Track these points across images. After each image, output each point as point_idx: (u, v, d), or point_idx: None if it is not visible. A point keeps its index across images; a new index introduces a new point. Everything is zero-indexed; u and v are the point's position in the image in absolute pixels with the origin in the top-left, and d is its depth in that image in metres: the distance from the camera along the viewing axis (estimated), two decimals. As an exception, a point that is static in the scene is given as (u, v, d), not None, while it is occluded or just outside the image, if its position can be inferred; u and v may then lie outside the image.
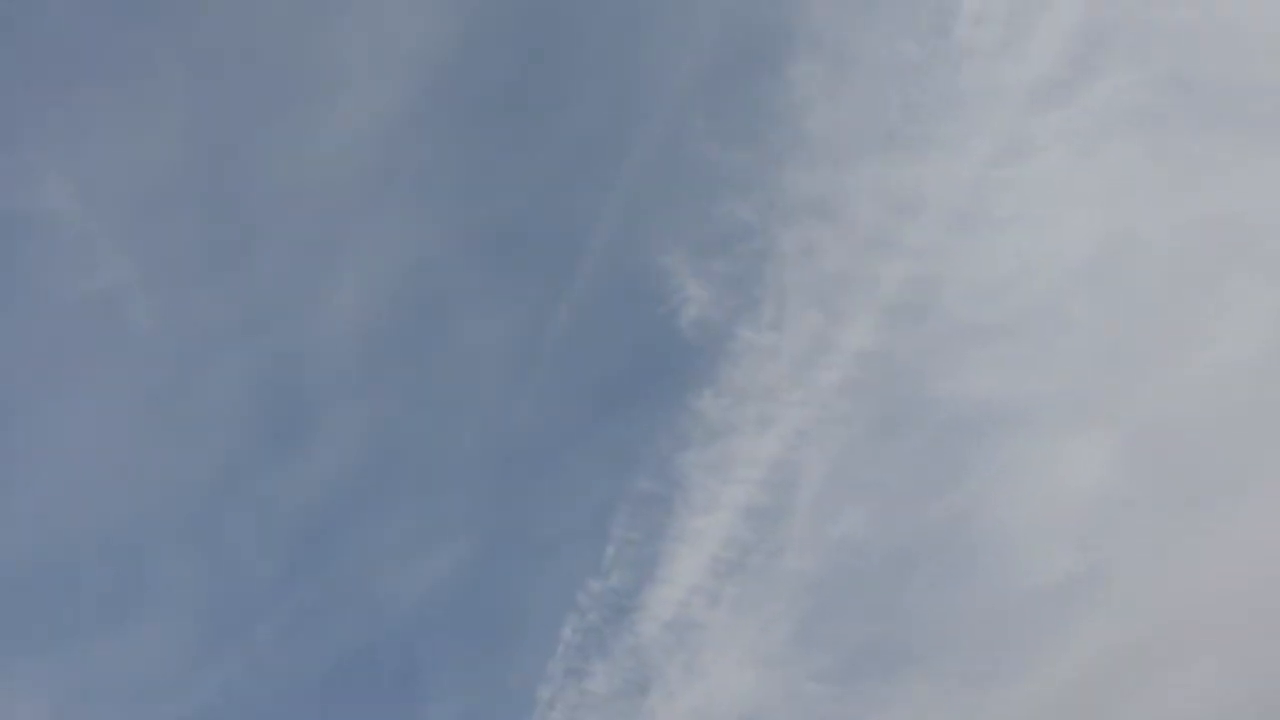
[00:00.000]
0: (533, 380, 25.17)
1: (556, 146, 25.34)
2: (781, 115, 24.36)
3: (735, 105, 24.87)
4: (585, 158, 25.28)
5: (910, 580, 23.69)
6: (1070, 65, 22.86)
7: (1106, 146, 22.89)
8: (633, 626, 24.24)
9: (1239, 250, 22.71)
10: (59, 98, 22.68)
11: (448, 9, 24.87)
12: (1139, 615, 21.28)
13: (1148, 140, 22.74)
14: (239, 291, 23.96)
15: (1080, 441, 23.01)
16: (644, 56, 25.27)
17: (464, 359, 25.28)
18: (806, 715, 22.95)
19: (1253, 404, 22.07)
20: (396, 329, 25.02)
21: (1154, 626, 21.03)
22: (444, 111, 25.02)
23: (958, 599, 22.92)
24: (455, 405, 25.38)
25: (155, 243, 23.51)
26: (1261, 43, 22.42)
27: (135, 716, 21.97)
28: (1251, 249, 22.66)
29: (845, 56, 24.21)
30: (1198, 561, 21.28)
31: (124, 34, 22.89)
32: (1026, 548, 22.68)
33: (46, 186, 22.33)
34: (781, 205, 24.55)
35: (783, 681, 23.33)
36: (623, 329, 25.56)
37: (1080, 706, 19.94)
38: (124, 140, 23.21)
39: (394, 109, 24.61)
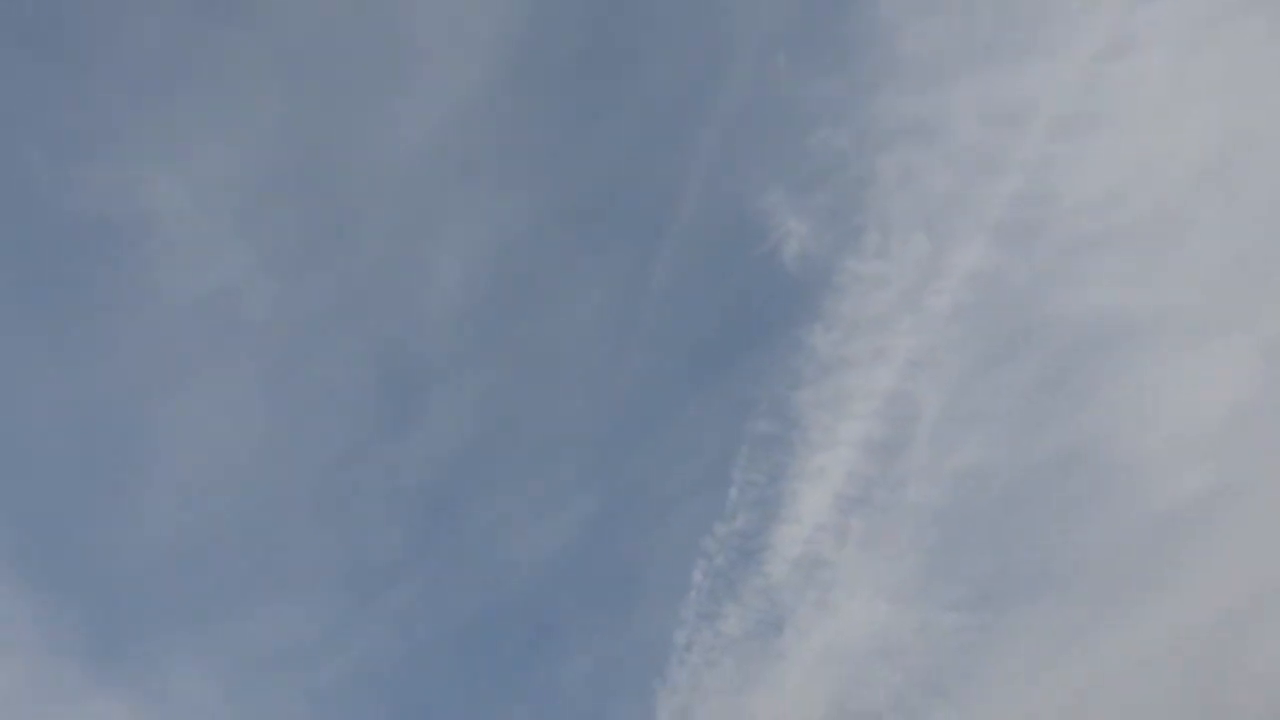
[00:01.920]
0: (640, 333, 25.29)
1: (644, 98, 25.10)
2: (870, 39, 23.50)
3: (822, 34, 24.10)
4: (674, 106, 24.98)
5: (1038, 506, 23.10)
6: (1176, -52, 21.32)
7: (1222, 32, 21.30)
8: (761, 567, 24.36)
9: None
10: (160, 104, 23.56)
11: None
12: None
13: (1268, 22, 21.07)
14: (347, 276, 24.71)
15: (1212, 352, 21.84)
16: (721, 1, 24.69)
17: (570, 320, 25.55)
18: (942, 645, 22.76)
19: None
20: (501, 298, 25.43)
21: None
22: (529, 77, 25.02)
23: (1089, 523, 22.25)
24: (566, 366, 25.73)
25: (264, 236, 24.38)
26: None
27: (286, 683, 23.40)
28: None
29: (932, -32, 23.15)
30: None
31: (215, 38, 23.56)
32: (1159, 466, 21.79)
33: (157, 190, 23.34)
34: (877, 131, 23.80)
35: (915, 613, 23.17)
36: (725, 273, 25.36)
37: (1226, 633, 19.17)
38: (225, 140, 24.02)
39: (478, 83, 24.74)
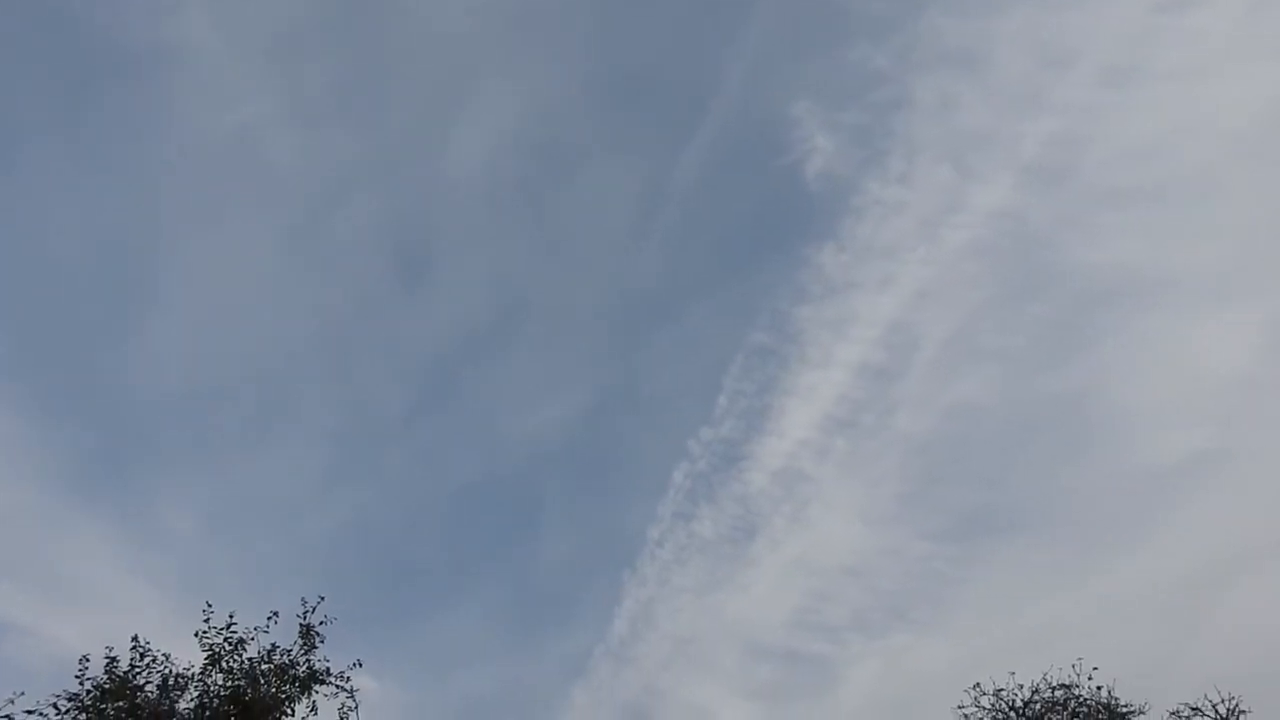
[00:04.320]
0: (655, 228, 25.29)
1: (688, -7, 24.82)
2: (927, -45, 23.18)
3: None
4: (717, 5, 24.74)
5: (1028, 449, 23.24)
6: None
7: (1286, -1, 20.93)
8: (741, 475, 24.53)
9: None
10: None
11: None
12: (1267, 501, 20.27)
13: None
14: (373, 132, 24.66)
15: (1219, 319, 21.83)
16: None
17: (588, 205, 25.57)
18: (911, 571, 22.97)
19: None
20: (523, 174, 25.43)
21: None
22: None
23: (1077, 470, 22.42)
24: (579, 251, 25.80)
25: (293, 80, 24.27)
26: None
27: (275, 530, 23.74)
28: None
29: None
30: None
31: None
32: (1154, 423, 21.89)
33: (187, 17, 23.10)
34: (920, 53, 23.56)
35: (889, 537, 23.36)
36: (747, 180, 25.29)
37: (1197, 589, 19.25)
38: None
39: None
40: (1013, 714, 11.58)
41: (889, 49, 23.56)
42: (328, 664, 10.41)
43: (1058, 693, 11.56)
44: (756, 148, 24.72)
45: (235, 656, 10.18)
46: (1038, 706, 11.52)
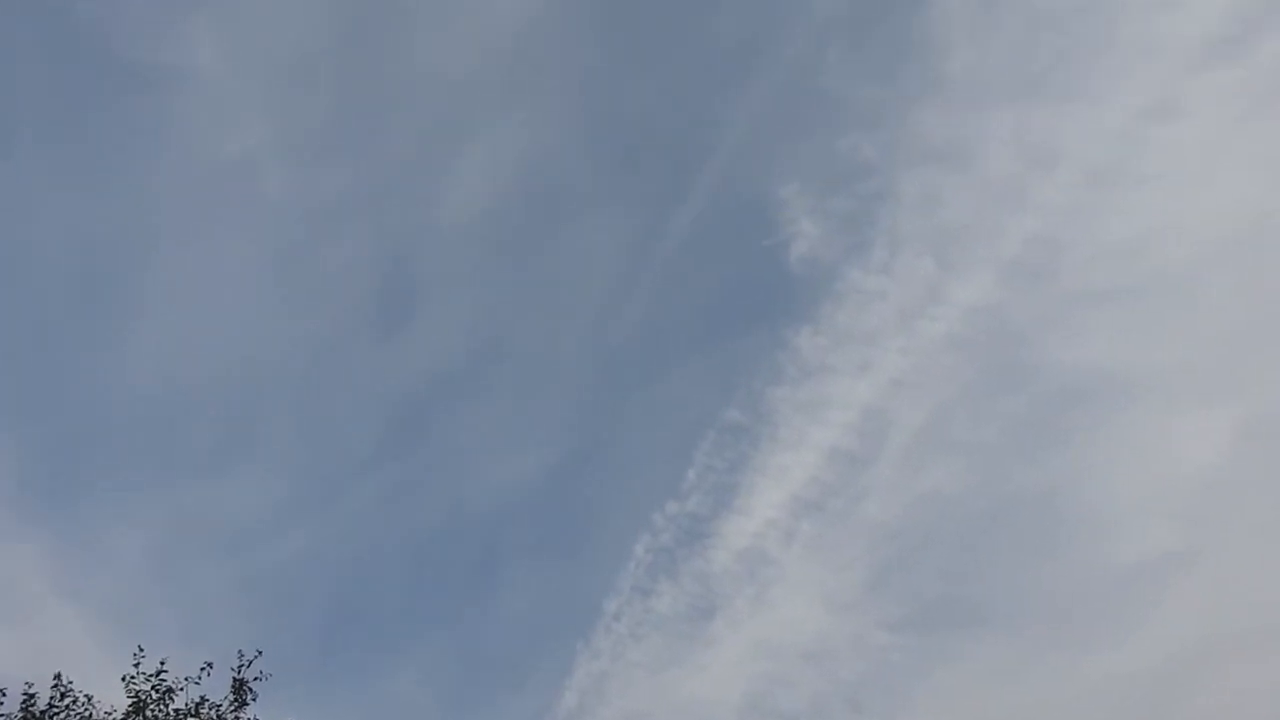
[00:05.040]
0: (637, 294, 25.32)
1: (689, 61, 25.17)
2: (920, 52, 23.61)
3: (874, 37, 24.22)
4: (716, 76, 25.08)
5: (996, 542, 23.10)
6: (1238, 22, 21.38)
7: (1269, 115, 21.42)
8: (705, 552, 24.26)
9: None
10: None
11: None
12: (1234, 604, 20.22)
13: (1313, 112, 21.20)
14: (368, 168, 24.69)
15: (1194, 419, 21.89)
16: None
17: (574, 263, 25.59)
18: (873, 660, 22.64)
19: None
20: (512, 224, 25.47)
21: (1248, 617, 19.94)
22: (582, 18, 25.11)
23: (1045, 566, 22.26)
24: (560, 308, 25.76)
25: (292, 112, 24.36)
26: None
27: (222, 562, 23.20)
28: None
29: (996, -5, 23.28)
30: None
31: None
32: (1124, 522, 21.82)
33: (194, 42, 23.24)
34: (908, 146, 23.86)
35: (851, 625, 23.06)
36: (731, 255, 25.41)
37: (1162, 688, 19.08)
38: (274, 6, 23.91)
39: (535, 11, 24.84)
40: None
41: (878, 140, 23.91)
42: (257, 723, 10.09)
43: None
44: (743, 223, 24.91)
45: (161, 706, 9.85)
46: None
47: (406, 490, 25.12)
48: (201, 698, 9.91)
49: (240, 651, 10.15)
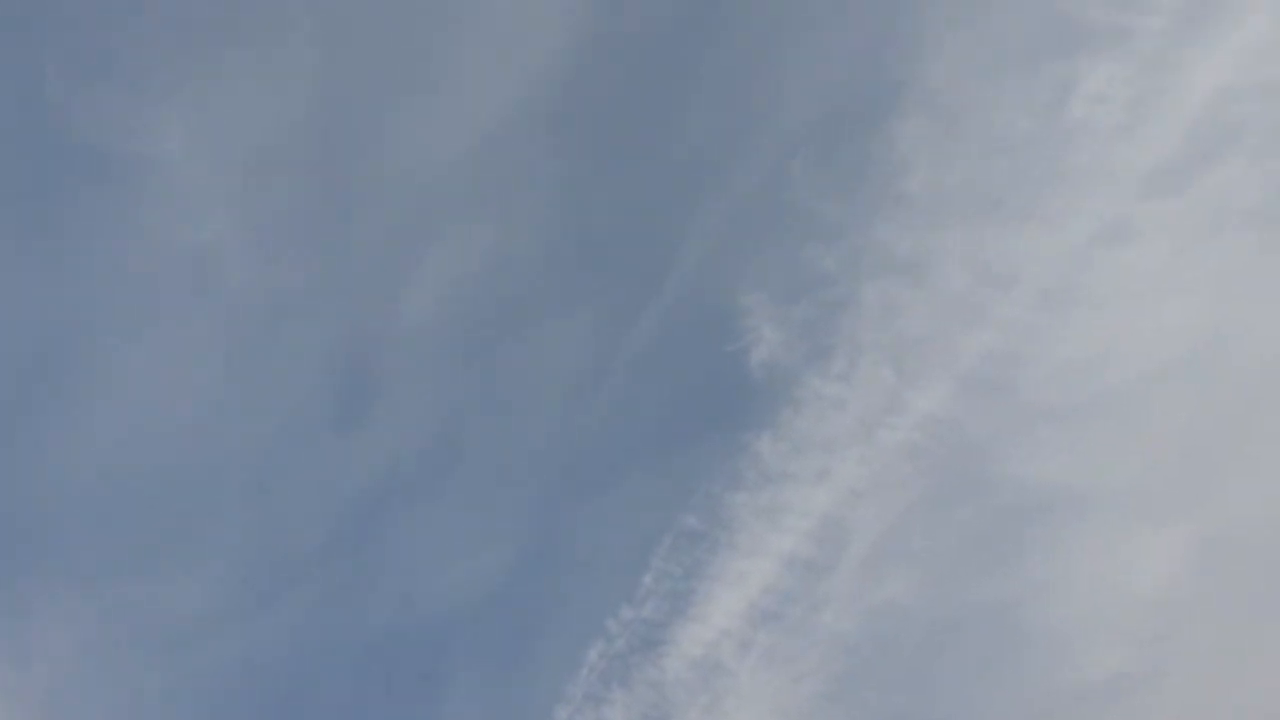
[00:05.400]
0: (597, 398, 25.23)
1: (655, 171, 25.54)
2: (882, 170, 24.26)
3: (838, 154, 24.83)
4: (681, 186, 25.44)
5: (952, 656, 22.97)
6: (1187, 155, 22.33)
7: (1214, 241, 22.27)
8: (659, 660, 23.93)
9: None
10: (190, 44, 23.46)
11: (572, 27, 25.42)
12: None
13: (1259, 240, 22.08)
14: (330, 265, 24.52)
15: (1148, 538, 22.21)
16: (755, 95, 25.39)
17: (535, 366, 25.47)
18: (825, 778, 22.33)
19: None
20: (474, 327, 25.35)
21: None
22: (552, 123, 25.41)
23: (1000, 683, 22.15)
24: (519, 411, 25.53)
25: (258, 204, 24.17)
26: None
27: (156, 662, 22.29)
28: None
29: (956, 120, 24.02)
30: (1258, 676, 20.22)
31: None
32: (1079, 641, 21.88)
33: (164, 130, 23.03)
34: (869, 259, 24.35)
35: (805, 739, 22.78)
36: (693, 360, 25.48)
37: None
38: (242, 95, 23.85)
39: (504, 114, 25.05)
40: None
41: (839, 252, 24.41)
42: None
43: None
44: (706, 330, 25.11)
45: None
46: None
47: (354, 591, 24.44)
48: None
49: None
